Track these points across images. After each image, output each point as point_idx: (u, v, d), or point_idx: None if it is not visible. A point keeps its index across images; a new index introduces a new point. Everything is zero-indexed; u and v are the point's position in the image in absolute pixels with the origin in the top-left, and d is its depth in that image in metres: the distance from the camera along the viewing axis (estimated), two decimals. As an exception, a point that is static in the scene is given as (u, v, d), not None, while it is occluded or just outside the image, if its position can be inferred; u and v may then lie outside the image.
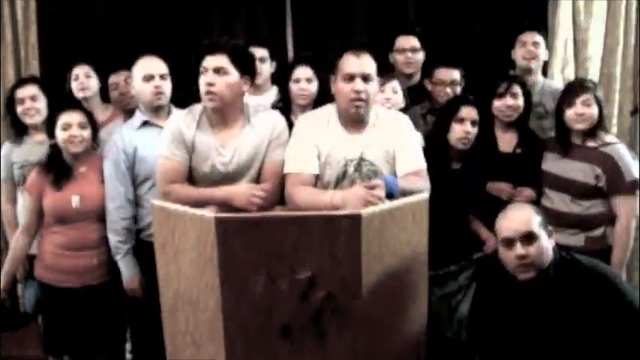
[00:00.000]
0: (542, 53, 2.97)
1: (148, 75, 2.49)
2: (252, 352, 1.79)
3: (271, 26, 3.64)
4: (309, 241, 1.72)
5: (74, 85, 3.05)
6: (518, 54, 2.95)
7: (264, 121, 2.21)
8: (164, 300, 1.99)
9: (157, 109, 2.53)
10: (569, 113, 2.49)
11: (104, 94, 3.14)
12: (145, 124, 2.52)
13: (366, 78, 2.10)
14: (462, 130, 2.48)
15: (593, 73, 3.26)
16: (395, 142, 2.17)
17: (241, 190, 2.08)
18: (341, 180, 2.13)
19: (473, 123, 2.49)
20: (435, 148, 2.46)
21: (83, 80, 3.04)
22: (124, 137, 2.49)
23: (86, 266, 2.49)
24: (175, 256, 1.88)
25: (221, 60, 2.11)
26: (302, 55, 3.36)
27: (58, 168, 2.47)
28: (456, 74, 2.87)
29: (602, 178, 2.46)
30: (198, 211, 1.81)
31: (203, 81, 2.12)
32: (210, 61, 2.11)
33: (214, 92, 2.10)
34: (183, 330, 1.92)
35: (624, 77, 3.29)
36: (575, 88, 2.55)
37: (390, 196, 1.94)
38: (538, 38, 2.94)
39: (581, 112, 2.47)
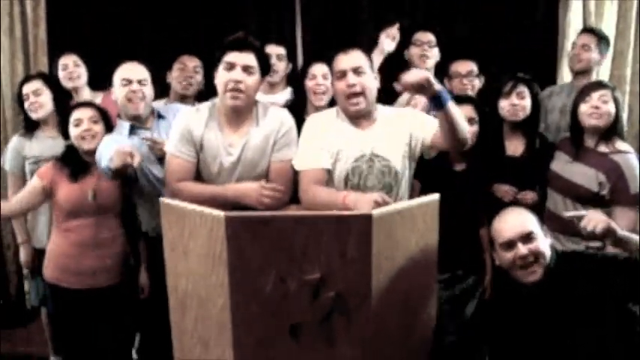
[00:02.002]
0: (594, 56, 2.90)
1: (126, 79, 2.41)
2: (261, 351, 1.78)
3: (281, 28, 3.66)
4: (319, 240, 1.71)
5: (62, 75, 3.06)
6: (570, 56, 2.93)
7: (272, 118, 2.19)
8: (172, 298, 1.97)
9: (136, 118, 2.43)
10: (584, 108, 2.42)
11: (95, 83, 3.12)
12: (132, 130, 2.42)
13: (356, 71, 2.08)
14: None
15: (603, 75, 3.25)
16: (409, 129, 2.15)
17: (252, 188, 2.06)
18: (351, 176, 2.12)
19: (470, 121, 2.45)
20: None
21: (72, 69, 3.04)
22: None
23: (99, 267, 2.45)
24: (184, 254, 1.87)
25: (250, 58, 2.09)
26: (320, 53, 3.35)
27: (74, 163, 2.44)
28: (472, 66, 2.89)
29: (606, 186, 2.38)
30: (208, 210, 1.79)
31: (227, 76, 2.07)
32: (240, 58, 2.07)
33: (241, 90, 2.07)
34: (191, 329, 1.92)
35: (634, 79, 3.28)
36: (593, 84, 2.51)
37: (441, 106, 1.92)
38: (588, 40, 2.89)
39: (596, 106, 2.39)
